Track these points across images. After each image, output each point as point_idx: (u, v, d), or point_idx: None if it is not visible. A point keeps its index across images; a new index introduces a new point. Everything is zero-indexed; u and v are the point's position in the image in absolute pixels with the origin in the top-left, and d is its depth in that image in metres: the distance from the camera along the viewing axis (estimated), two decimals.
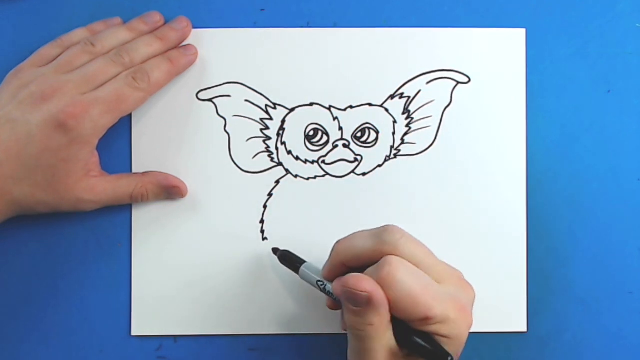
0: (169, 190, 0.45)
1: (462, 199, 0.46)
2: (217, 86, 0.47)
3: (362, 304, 0.35)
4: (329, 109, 0.47)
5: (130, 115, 0.46)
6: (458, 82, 0.47)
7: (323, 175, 0.47)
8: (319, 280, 0.41)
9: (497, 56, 0.47)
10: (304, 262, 0.43)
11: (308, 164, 0.47)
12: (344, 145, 0.47)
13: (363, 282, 0.35)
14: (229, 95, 0.47)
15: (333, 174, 0.47)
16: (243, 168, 0.47)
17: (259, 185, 0.47)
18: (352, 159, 0.47)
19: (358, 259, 0.38)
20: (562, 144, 0.47)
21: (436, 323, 0.36)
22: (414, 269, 0.36)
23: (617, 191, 0.47)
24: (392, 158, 0.47)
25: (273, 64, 0.47)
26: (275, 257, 0.45)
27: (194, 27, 0.46)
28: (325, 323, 0.46)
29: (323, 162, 0.47)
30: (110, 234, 0.47)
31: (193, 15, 0.46)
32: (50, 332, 0.46)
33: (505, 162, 0.47)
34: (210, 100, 0.47)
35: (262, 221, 0.46)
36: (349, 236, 0.39)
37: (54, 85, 0.42)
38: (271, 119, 0.47)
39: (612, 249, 0.47)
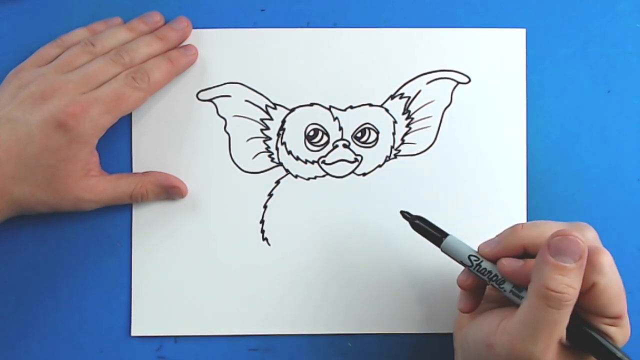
0: (169, 190, 0.45)
1: (462, 199, 0.46)
2: (217, 86, 0.47)
3: (574, 257, 0.34)
4: (329, 109, 0.47)
5: (130, 115, 0.46)
6: (458, 82, 0.47)
7: (323, 176, 0.47)
8: (473, 255, 0.39)
9: (497, 56, 0.47)
10: (447, 234, 0.40)
11: (308, 164, 0.47)
12: (344, 146, 0.47)
13: (580, 235, 0.35)
14: (229, 96, 0.47)
15: (333, 174, 0.47)
16: (243, 168, 0.47)
17: (259, 185, 0.47)
18: (352, 159, 0.47)
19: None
20: (562, 144, 0.47)
21: (620, 326, 0.36)
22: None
23: (617, 191, 0.47)
24: (393, 158, 0.47)
25: (273, 64, 0.47)
26: (281, 260, 0.45)
27: (194, 27, 0.46)
28: (325, 323, 0.46)
29: (323, 162, 0.47)
30: (110, 234, 0.47)
31: (193, 15, 0.46)
32: (50, 332, 0.46)
33: (505, 162, 0.47)
34: (210, 100, 0.47)
35: (262, 221, 0.46)
36: (535, 222, 0.38)
37: (54, 85, 0.42)
38: (271, 119, 0.47)
39: (612, 249, 0.46)
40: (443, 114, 0.47)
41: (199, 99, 0.47)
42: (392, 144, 0.47)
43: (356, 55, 0.47)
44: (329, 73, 0.47)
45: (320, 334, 0.46)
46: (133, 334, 0.46)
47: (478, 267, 0.38)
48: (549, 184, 0.47)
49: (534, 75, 0.47)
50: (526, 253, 0.38)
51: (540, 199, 0.47)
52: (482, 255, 0.39)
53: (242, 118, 0.47)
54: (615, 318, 0.36)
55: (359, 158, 0.47)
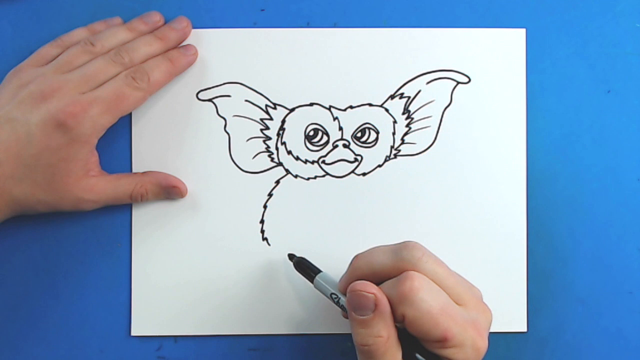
0: (169, 190, 0.45)
1: (462, 199, 0.46)
2: (217, 86, 0.47)
3: (369, 309, 0.35)
4: (329, 109, 0.47)
5: (130, 115, 0.46)
6: (458, 82, 0.47)
7: (323, 176, 0.47)
8: (333, 293, 0.40)
9: (497, 56, 0.47)
10: (320, 271, 0.42)
11: (308, 164, 0.47)
12: (344, 146, 0.47)
13: (368, 287, 0.35)
14: (229, 96, 0.47)
15: (333, 174, 0.47)
16: (243, 168, 0.47)
17: (259, 185, 0.47)
18: (352, 159, 0.47)
19: (376, 275, 0.37)
20: (562, 144, 0.47)
21: (452, 346, 0.35)
22: (434, 286, 0.35)
23: (617, 191, 0.47)
24: (392, 158, 0.47)
25: (273, 64, 0.47)
26: (280, 260, 0.46)
27: (194, 27, 0.46)
28: (325, 323, 0.46)
29: (323, 162, 0.47)
30: (110, 234, 0.47)
31: (193, 15, 0.46)
32: (50, 332, 0.46)
33: (505, 162, 0.47)
34: (210, 100, 0.47)
35: (262, 221, 0.46)
36: (368, 251, 0.39)
37: (54, 84, 0.42)
38: (271, 119, 0.47)
39: (612, 249, 0.47)
40: (443, 114, 0.47)
41: (199, 99, 0.47)
42: (392, 144, 0.47)
43: (356, 55, 0.47)
44: (329, 73, 0.47)
45: (320, 333, 0.46)
46: (133, 334, 0.46)
47: (338, 303, 0.40)
48: (549, 184, 0.47)
49: (534, 75, 0.47)
50: None
51: (540, 199, 0.47)
52: (339, 291, 0.40)
53: (242, 118, 0.47)
54: (441, 341, 0.35)
55: (359, 158, 0.47)
